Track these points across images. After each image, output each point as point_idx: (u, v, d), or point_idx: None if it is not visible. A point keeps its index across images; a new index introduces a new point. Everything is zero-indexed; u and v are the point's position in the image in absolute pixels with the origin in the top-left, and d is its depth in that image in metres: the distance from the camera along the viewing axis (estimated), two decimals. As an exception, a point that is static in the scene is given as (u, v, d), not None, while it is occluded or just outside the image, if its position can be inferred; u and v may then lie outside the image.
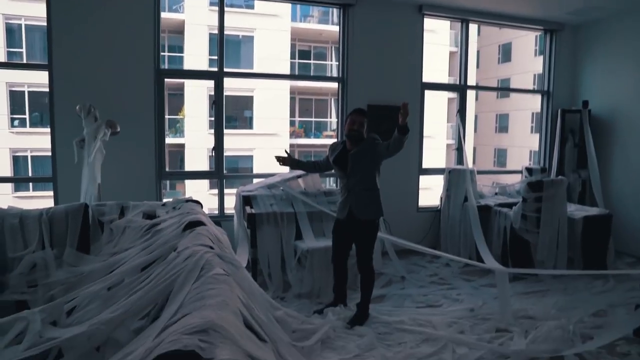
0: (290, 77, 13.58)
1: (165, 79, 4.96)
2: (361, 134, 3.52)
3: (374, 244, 3.66)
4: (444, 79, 16.09)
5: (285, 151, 3.84)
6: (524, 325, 3.53)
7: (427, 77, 5.90)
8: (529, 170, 6.10)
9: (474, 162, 20.47)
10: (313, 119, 17.40)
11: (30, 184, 13.87)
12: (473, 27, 6.58)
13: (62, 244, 2.95)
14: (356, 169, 3.51)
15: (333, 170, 3.83)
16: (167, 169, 5.03)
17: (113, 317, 1.87)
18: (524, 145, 20.16)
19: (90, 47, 4.50)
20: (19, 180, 14.52)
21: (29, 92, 13.75)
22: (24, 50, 13.53)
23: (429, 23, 6.06)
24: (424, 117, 5.88)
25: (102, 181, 3.96)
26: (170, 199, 3.61)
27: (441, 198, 5.78)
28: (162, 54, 4.95)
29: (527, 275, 4.71)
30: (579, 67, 6.45)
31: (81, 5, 4.46)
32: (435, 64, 15.50)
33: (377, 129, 4.56)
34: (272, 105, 15.31)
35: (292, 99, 16.64)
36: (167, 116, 13.98)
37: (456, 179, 5.58)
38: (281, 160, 3.72)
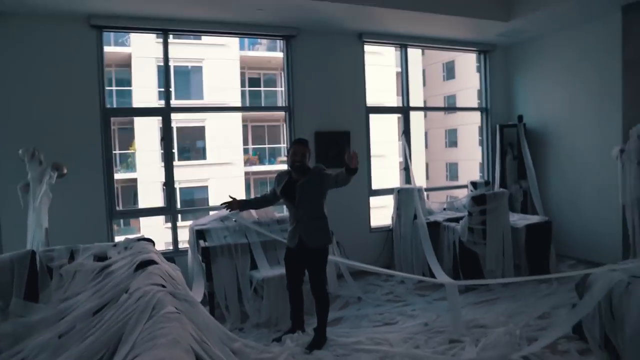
0: (239, 109, 13.65)
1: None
2: (304, 165, 3.60)
3: (326, 269, 3.73)
4: (392, 98, 16.53)
5: (230, 196, 3.82)
6: (475, 335, 3.69)
7: (375, 98, 6.09)
8: (474, 184, 6.40)
9: (427, 178, 21.05)
10: (266, 146, 17.45)
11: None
12: (416, 50, 6.85)
13: (8, 294, 2.88)
14: (304, 199, 3.58)
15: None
16: (118, 207, 4.96)
17: (64, 366, 1.87)
18: (472, 158, 20.89)
19: (33, 87, 4.47)
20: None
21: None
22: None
23: (373, 46, 6.31)
24: (370, 140, 6.07)
25: (50, 225, 3.88)
26: (123, 238, 3.60)
27: (392, 217, 5.96)
28: (109, 88, 4.95)
29: (478, 286, 4.91)
30: (512, 85, 6.88)
31: (22, 44, 4.44)
32: (383, 84, 15.99)
33: (325, 155, 4.72)
34: (224, 134, 15.30)
35: (245, 127, 16.68)
36: (117, 151, 13.72)
37: (405, 198, 5.77)
38: (228, 206, 3.75)
